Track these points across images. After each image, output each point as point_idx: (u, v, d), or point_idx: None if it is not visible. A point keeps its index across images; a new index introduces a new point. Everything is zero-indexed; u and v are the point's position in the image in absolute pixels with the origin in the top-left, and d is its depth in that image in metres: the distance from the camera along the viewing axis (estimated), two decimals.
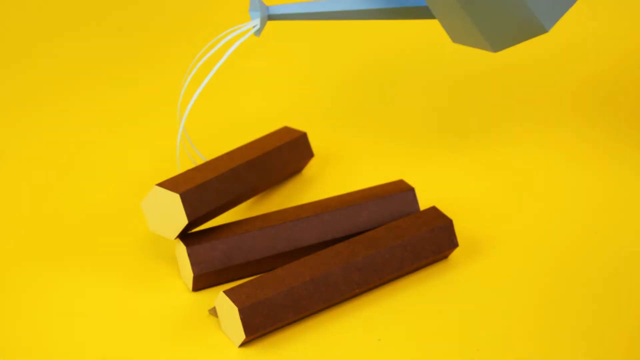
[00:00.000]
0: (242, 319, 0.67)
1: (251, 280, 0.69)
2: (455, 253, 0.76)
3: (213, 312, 0.69)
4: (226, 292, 0.68)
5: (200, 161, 0.81)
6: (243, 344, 0.68)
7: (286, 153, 0.81)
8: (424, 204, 0.81)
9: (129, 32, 1.02)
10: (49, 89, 0.95)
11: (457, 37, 0.72)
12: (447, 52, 1.00)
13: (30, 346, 0.68)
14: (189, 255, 0.72)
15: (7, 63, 0.99)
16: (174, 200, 0.71)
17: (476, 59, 1.00)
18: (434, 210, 0.75)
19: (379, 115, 0.92)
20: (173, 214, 0.71)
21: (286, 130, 0.83)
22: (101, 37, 1.01)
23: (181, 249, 0.72)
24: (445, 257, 0.75)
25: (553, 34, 1.02)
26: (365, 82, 0.97)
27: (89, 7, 1.04)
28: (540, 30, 0.65)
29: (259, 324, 0.67)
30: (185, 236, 0.73)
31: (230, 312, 0.67)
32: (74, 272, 0.75)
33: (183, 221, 0.71)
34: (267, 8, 0.72)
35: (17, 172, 0.86)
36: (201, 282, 0.72)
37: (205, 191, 0.73)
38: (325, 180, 0.84)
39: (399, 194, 0.77)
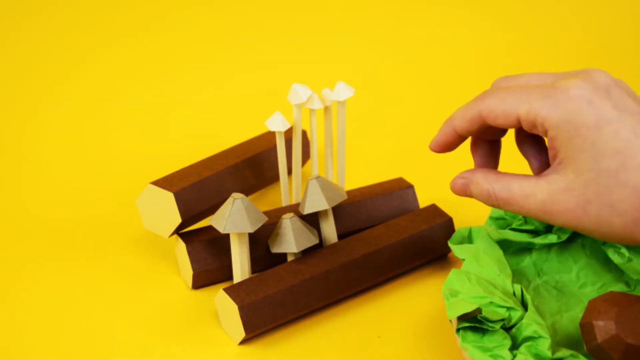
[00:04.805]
0: (241, 317, 0.67)
1: (251, 278, 0.69)
2: None
3: None
4: (226, 290, 0.68)
5: None
6: (243, 342, 0.68)
7: (285, 150, 0.81)
8: (423, 201, 0.81)
9: (126, 31, 1.02)
10: (43, 88, 0.95)
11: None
12: (447, 52, 1.00)
13: (29, 345, 0.68)
14: (189, 252, 0.71)
15: (4, 61, 0.98)
16: (168, 199, 0.71)
17: (476, 58, 1.00)
18: (433, 208, 0.75)
19: (379, 112, 0.92)
20: (167, 212, 0.71)
21: None
22: (99, 36, 1.01)
23: (181, 246, 0.72)
24: (445, 254, 0.75)
25: (549, 35, 1.02)
26: (365, 81, 0.97)
27: (87, 6, 1.04)
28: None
29: (259, 321, 0.67)
30: (184, 234, 0.73)
31: (230, 309, 0.67)
32: (73, 270, 0.75)
33: (177, 220, 0.71)
34: None
35: (12, 171, 0.85)
36: (201, 280, 0.72)
37: (200, 189, 0.72)
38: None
39: (399, 191, 0.77)
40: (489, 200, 0.63)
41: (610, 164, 0.58)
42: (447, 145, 0.66)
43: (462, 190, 0.65)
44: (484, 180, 0.63)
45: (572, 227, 0.60)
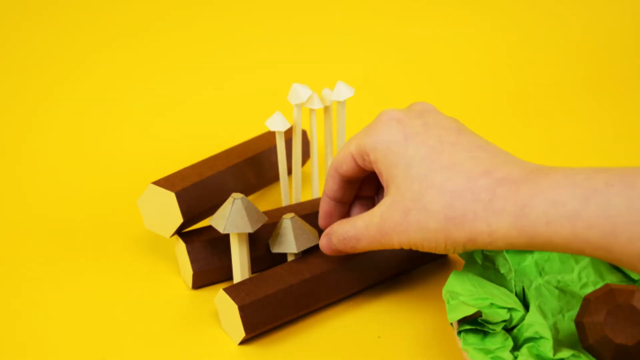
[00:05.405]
0: (242, 317, 0.66)
1: (251, 278, 0.69)
2: None
3: None
4: (226, 290, 0.68)
5: None
6: (243, 342, 0.68)
7: (285, 150, 0.81)
8: None
9: (126, 31, 1.02)
10: (43, 88, 0.95)
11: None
12: (447, 52, 1.00)
13: (29, 344, 0.68)
14: (189, 252, 0.71)
15: (4, 61, 0.98)
16: (170, 199, 0.71)
17: (476, 58, 1.00)
18: None
19: (379, 112, 0.92)
20: (169, 213, 0.71)
21: None
22: (99, 36, 1.01)
23: (181, 246, 0.72)
24: (446, 254, 0.75)
25: (549, 35, 1.02)
26: (365, 81, 0.97)
27: (87, 6, 1.04)
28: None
29: (259, 321, 0.67)
30: (184, 234, 0.73)
31: (230, 309, 0.67)
32: (73, 270, 0.75)
33: (178, 220, 0.71)
34: None
35: (12, 171, 0.85)
36: (201, 280, 0.72)
37: (202, 189, 0.72)
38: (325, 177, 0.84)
39: None
40: (345, 242, 0.65)
41: (419, 169, 0.60)
42: (330, 213, 0.69)
43: (328, 246, 0.67)
44: (338, 227, 0.66)
45: (405, 243, 0.61)
